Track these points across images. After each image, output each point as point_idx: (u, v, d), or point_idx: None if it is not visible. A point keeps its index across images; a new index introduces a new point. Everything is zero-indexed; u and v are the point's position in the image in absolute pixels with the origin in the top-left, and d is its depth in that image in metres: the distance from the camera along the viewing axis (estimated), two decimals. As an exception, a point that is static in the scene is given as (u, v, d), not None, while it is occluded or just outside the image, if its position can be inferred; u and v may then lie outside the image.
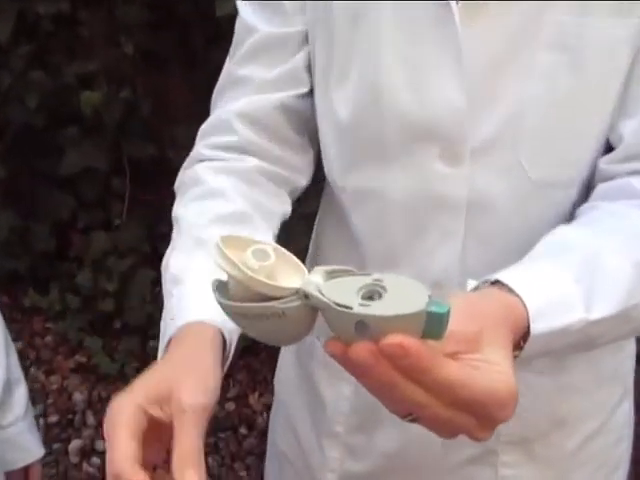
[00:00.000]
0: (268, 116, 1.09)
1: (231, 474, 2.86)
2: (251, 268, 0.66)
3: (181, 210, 1.09)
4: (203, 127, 1.14)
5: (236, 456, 2.91)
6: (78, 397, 3.15)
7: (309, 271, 0.68)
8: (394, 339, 0.60)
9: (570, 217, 1.00)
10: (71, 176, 3.17)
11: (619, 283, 0.83)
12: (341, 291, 0.64)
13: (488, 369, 0.66)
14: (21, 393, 1.67)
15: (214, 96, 1.16)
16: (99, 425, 3.06)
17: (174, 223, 1.09)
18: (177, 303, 0.96)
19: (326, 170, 1.13)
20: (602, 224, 0.91)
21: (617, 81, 0.96)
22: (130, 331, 3.23)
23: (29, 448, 1.71)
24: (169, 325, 0.94)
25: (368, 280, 0.65)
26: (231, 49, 1.14)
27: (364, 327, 0.62)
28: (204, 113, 1.17)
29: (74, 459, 2.97)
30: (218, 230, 0.97)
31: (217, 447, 2.94)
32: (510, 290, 0.76)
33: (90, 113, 2.93)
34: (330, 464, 1.26)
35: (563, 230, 0.91)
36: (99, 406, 3.12)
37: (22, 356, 3.23)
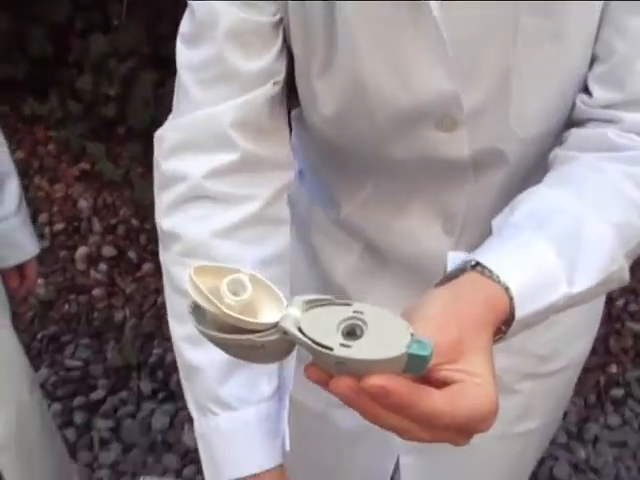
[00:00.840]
0: (259, 116, 0.97)
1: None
2: (226, 304, 0.64)
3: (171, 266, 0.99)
4: (182, 129, 0.97)
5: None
6: (83, 204, 3.11)
7: (287, 300, 0.67)
8: (374, 380, 0.60)
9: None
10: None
11: (601, 251, 0.82)
12: (321, 326, 0.63)
13: (469, 384, 0.66)
14: (12, 188, 1.60)
15: (183, 73, 0.98)
16: (105, 232, 3.03)
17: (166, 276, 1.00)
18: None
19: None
20: (582, 182, 0.88)
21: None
22: (134, 136, 3.14)
23: (23, 245, 1.65)
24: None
25: (348, 312, 0.64)
26: (189, 29, 0.96)
27: (345, 364, 0.61)
28: None
29: (81, 266, 2.95)
30: None
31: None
32: (491, 276, 0.74)
33: None
34: None
35: (543, 193, 0.88)
36: (104, 212, 3.09)
37: (25, 165, 3.19)
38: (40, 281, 2.86)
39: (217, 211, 0.94)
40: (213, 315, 0.64)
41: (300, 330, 0.63)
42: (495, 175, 1.00)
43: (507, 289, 0.73)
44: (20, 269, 1.68)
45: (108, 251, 2.98)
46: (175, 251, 0.95)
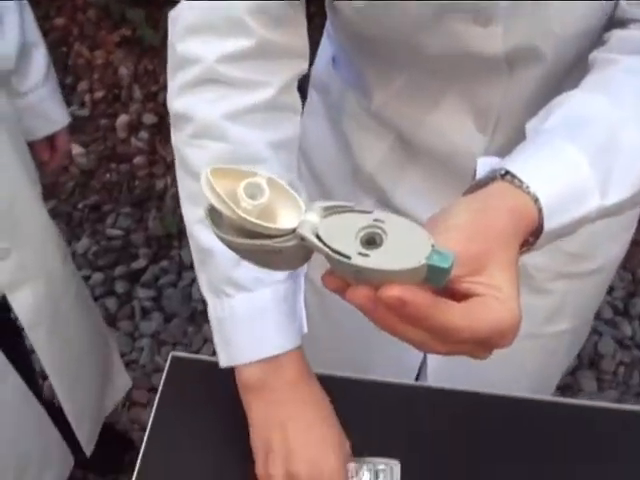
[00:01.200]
0: (276, 3, 0.91)
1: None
2: (243, 208, 0.62)
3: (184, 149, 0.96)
4: (198, 9, 0.92)
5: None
6: (124, 71, 3.06)
7: (306, 205, 0.64)
8: (392, 291, 0.59)
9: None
10: None
11: (637, 161, 0.78)
12: (339, 233, 0.62)
13: (490, 298, 0.64)
14: (39, 58, 1.55)
15: None
16: (146, 99, 2.99)
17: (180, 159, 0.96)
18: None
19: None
20: (621, 87, 0.84)
21: None
22: (173, 1, 3.05)
23: (52, 116, 1.62)
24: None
25: (368, 221, 0.62)
26: None
27: (363, 274, 0.60)
28: None
29: (122, 134, 2.92)
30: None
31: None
32: (521, 186, 0.71)
33: None
34: None
35: (580, 99, 0.83)
36: (145, 79, 3.04)
37: (65, 32, 3.14)
38: (81, 150, 2.85)
39: (229, 95, 0.91)
40: (230, 219, 0.63)
41: (318, 237, 0.62)
42: (530, 73, 0.96)
43: (537, 200, 0.70)
44: (51, 140, 1.65)
45: (149, 119, 2.94)
46: (186, 133, 0.92)
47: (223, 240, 0.66)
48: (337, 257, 0.60)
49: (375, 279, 0.60)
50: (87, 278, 2.52)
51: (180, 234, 2.61)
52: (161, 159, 2.83)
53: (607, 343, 2.44)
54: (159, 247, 2.61)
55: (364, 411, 1.04)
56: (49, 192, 2.70)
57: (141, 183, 2.77)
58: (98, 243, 2.63)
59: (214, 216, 0.66)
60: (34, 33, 1.54)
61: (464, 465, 1.01)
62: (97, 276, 2.54)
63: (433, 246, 0.59)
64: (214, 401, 1.04)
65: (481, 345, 0.65)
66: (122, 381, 1.91)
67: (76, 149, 2.84)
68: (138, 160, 2.83)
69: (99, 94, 3.02)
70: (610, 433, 1.05)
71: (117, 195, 2.75)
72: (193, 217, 0.94)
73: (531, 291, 1.18)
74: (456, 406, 1.07)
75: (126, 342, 2.40)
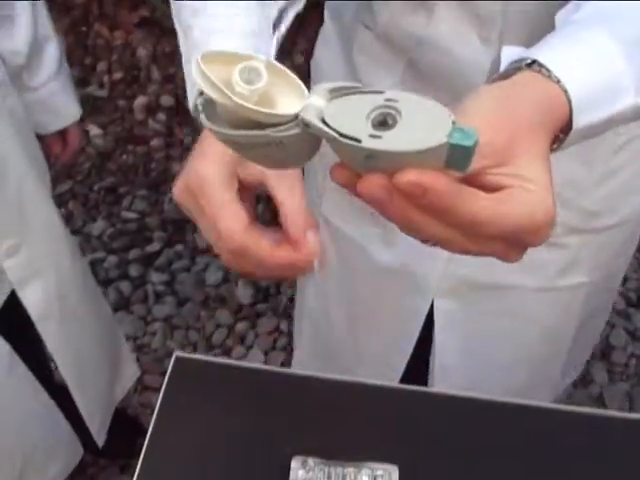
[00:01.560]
0: None
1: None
2: (239, 94, 0.56)
3: None
4: None
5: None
6: (142, 52, 3.07)
7: (309, 89, 0.58)
8: (409, 176, 0.53)
9: None
10: None
11: None
12: (348, 116, 0.55)
13: (521, 190, 0.58)
14: (51, 52, 1.55)
15: None
16: (164, 80, 3.00)
17: None
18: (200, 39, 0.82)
19: None
20: None
21: None
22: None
23: (63, 110, 1.62)
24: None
25: (379, 101, 0.56)
26: None
27: (375, 160, 0.53)
28: None
29: (139, 116, 2.93)
30: None
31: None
32: (550, 76, 0.65)
33: None
34: None
35: None
36: (164, 61, 3.04)
37: (85, 11, 3.14)
38: (98, 131, 2.86)
39: None
40: (225, 108, 0.57)
41: (324, 122, 0.55)
42: None
43: (566, 92, 0.64)
44: (62, 134, 1.66)
45: (167, 100, 2.96)
46: None
47: (217, 133, 0.60)
48: (345, 141, 0.53)
49: (390, 165, 0.53)
50: (102, 261, 2.55)
51: (195, 218, 2.61)
52: (178, 142, 2.84)
53: (619, 335, 2.44)
54: (174, 230, 2.62)
55: (362, 416, 1.04)
56: (65, 173, 2.73)
57: (157, 165, 2.78)
58: (113, 226, 2.64)
59: (207, 108, 0.60)
60: (46, 27, 1.54)
61: (462, 471, 1.01)
62: (111, 259, 2.56)
63: (454, 123, 0.53)
64: (217, 401, 1.05)
65: (512, 243, 0.60)
66: (131, 370, 1.94)
67: (93, 130, 2.85)
68: (155, 142, 2.84)
69: (118, 75, 3.03)
70: (612, 441, 1.04)
71: (133, 177, 2.77)
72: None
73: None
74: (455, 412, 1.07)
75: (139, 326, 2.42)
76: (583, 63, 0.66)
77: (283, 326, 2.40)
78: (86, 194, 2.71)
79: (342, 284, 1.32)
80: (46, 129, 1.61)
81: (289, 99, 0.58)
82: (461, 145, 0.52)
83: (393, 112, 0.54)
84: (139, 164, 2.79)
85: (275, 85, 0.58)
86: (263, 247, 0.71)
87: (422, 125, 0.53)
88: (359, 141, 0.53)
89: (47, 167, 1.56)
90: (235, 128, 0.58)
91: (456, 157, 0.53)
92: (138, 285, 2.51)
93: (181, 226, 2.63)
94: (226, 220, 0.72)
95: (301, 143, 0.58)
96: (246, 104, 0.55)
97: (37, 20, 1.49)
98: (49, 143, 1.64)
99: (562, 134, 0.66)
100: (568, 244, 1.14)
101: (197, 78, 0.56)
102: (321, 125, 0.55)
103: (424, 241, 0.61)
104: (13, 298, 1.46)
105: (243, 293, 2.44)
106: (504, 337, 1.17)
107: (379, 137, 0.53)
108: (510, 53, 0.70)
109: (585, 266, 1.19)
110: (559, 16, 0.75)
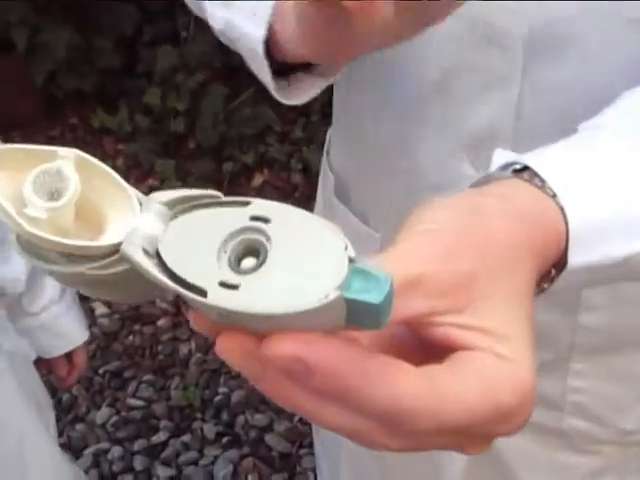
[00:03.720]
0: None
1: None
2: (34, 218, 0.39)
3: None
4: None
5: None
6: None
7: (143, 201, 0.41)
8: (281, 346, 0.35)
9: None
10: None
11: None
12: (192, 248, 0.38)
13: (484, 353, 0.39)
14: (55, 275, 1.48)
15: None
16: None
17: None
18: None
19: None
20: None
21: None
22: (203, 152, 3.04)
23: (68, 333, 1.53)
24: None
25: (242, 220, 0.38)
26: None
27: (235, 317, 0.36)
28: None
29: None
30: None
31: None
32: (543, 187, 0.47)
33: None
34: None
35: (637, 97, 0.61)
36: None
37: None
38: (104, 310, 2.79)
39: None
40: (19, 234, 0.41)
41: (159, 257, 0.38)
42: (555, 72, 0.70)
43: (563, 211, 0.46)
44: (68, 355, 1.57)
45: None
46: None
47: (34, 263, 0.43)
48: (185, 292, 0.37)
49: (257, 326, 0.36)
50: (106, 452, 2.43)
51: (203, 405, 2.52)
52: (185, 322, 2.76)
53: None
54: (181, 418, 2.52)
55: None
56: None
57: (164, 348, 2.69)
58: (118, 413, 2.54)
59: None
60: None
61: None
62: (116, 450, 2.44)
63: (351, 261, 0.36)
64: None
65: (470, 436, 0.40)
66: None
67: (99, 308, 2.78)
68: (162, 322, 2.77)
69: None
70: None
71: (139, 360, 2.68)
72: None
73: (568, 448, 0.95)
74: None
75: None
76: (591, 177, 0.49)
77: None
78: (91, 378, 2.61)
79: None
80: (50, 353, 1.52)
81: (120, 214, 0.41)
82: (363, 302, 0.35)
83: (261, 239, 0.37)
84: (146, 345, 2.71)
85: (101, 190, 0.41)
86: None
87: (302, 263, 0.36)
88: (204, 294, 0.36)
89: (52, 412, 1.47)
90: (49, 259, 0.41)
91: (361, 313, 0.36)
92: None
93: (188, 414, 2.52)
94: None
95: (135, 279, 0.40)
96: (36, 231, 0.38)
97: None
98: (54, 365, 1.55)
99: (555, 269, 0.48)
100: (599, 451, 0.98)
101: None
102: (149, 265, 0.38)
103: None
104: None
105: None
106: None
107: (235, 287, 0.36)
108: (502, 155, 0.53)
109: (618, 469, 1.03)
110: (580, 127, 0.59)
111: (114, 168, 0.42)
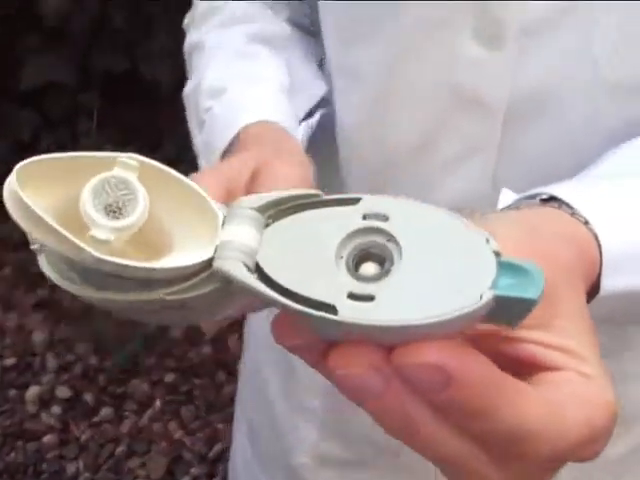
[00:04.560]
0: None
1: (207, 427, 2.60)
2: (92, 237, 0.33)
3: (203, 36, 0.87)
4: None
5: (213, 406, 2.66)
6: (38, 337, 2.88)
7: (225, 209, 0.35)
8: (426, 354, 0.32)
9: None
10: (33, 91, 2.89)
11: None
12: (303, 258, 0.32)
13: (575, 374, 0.37)
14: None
15: None
16: (60, 369, 2.80)
17: (191, 51, 0.88)
18: (225, 111, 0.73)
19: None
20: None
21: None
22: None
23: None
24: (222, 134, 0.70)
25: (355, 220, 0.33)
26: None
27: (361, 332, 0.32)
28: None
29: (32, 408, 2.69)
30: (262, 49, 0.80)
31: (192, 396, 2.67)
32: (573, 213, 0.46)
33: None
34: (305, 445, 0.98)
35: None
36: (60, 348, 2.86)
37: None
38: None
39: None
40: (76, 261, 0.34)
41: (259, 270, 0.33)
42: (534, 139, 0.70)
43: (596, 237, 0.46)
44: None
45: (63, 392, 2.73)
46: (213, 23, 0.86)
47: (81, 296, 0.38)
48: (309, 312, 0.31)
49: (388, 337, 0.32)
50: None
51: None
52: (74, 439, 2.60)
53: None
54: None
55: None
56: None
57: (49, 466, 2.53)
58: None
59: (50, 257, 0.38)
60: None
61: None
62: None
63: (498, 255, 0.32)
64: None
65: (551, 461, 0.37)
66: None
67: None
68: (48, 438, 2.60)
69: (9, 361, 2.82)
70: None
71: (21, 479, 2.50)
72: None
73: None
74: None
75: None
76: (619, 203, 0.50)
77: None
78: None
79: None
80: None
81: (199, 228, 0.35)
82: (518, 298, 0.32)
83: (381, 241, 0.33)
84: (29, 463, 2.54)
85: (166, 200, 0.35)
86: None
87: (440, 263, 0.32)
88: (334, 311, 0.31)
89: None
90: (103, 287, 0.36)
91: (506, 311, 0.33)
92: None
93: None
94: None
95: (216, 299, 0.36)
96: (108, 258, 0.32)
97: None
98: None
99: (587, 296, 0.45)
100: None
101: (12, 214, 0.34)
102: (254, 282, 0.32)
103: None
104: None
105: None
106: None
107: (369, 299, 0.31)
108: (510, 194, 0.53)
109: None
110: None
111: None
